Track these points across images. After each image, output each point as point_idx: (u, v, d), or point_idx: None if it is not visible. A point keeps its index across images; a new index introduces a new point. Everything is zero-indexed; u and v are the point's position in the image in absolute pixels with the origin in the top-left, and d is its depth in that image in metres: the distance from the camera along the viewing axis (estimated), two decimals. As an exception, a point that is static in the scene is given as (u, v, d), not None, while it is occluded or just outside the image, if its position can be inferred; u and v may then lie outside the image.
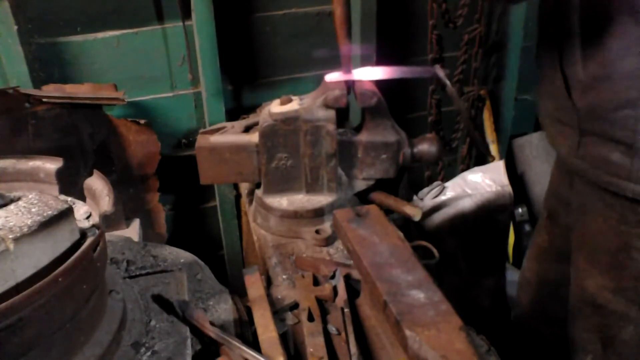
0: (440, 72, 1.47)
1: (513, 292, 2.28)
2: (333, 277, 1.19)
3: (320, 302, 1.12)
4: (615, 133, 1.16)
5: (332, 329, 1.05)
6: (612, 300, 1.31)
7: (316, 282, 1.20)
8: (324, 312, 1.10)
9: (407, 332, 0.85)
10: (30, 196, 0.79)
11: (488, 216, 2.06)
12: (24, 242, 0.70)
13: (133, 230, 1.57)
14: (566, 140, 1.28)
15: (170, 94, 2.12)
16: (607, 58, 1.13)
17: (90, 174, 1.23)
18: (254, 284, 1.11)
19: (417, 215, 1.47)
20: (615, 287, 1.30)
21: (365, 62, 1.95)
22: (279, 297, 1.16)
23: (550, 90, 1.30)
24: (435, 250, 1.38)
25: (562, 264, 1.53)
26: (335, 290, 1.15)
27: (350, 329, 1.03)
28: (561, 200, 1.52)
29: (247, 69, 2.18)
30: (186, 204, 2.36)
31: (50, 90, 1.80)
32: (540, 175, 2.56)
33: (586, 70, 1.18)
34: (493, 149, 2.59)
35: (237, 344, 0.91)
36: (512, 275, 2.30)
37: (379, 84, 1.45)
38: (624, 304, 1.30)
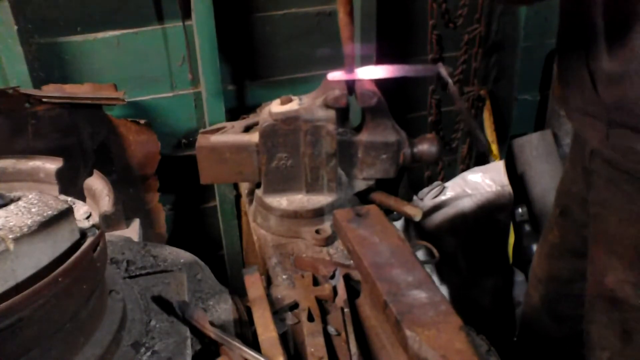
0: (443, 71, 1.46)
1: (516, 292, 2.29)
2: (333, 277, 1.19)
3: (320, 302, 1.12)
4: None
5: (331, 330, 1.05)
6: (633, 295, 1.29)
7: (316, 282, 1.20)
8: (324, 312, 1.10)
9: (407, 332, 0.85)
10: (30, 196, 0.79)
11: (488, 216, 2.06)
12: (24, 242, 0.70)
13: (133, 230, 1.56)
14: (595, 131, 1.28)
15: (170, 94, 2.12)
16: (632, 54, 1.12)
17: (90, 174, 1.24)
18: (253, 284, 1.10)
19: (417, 215, 1.47)
20: (638, 282, 1.28)
21: (365, 62, 1.95)
22: (279, 297, 1.16)
23: (576, 83, 1.29)
24: (435, 250, 1.38)
25: (575, 261, 1.53)
26: (335, 290, 1.15)
27: (350, 329, 1.03)
28: (574, 197, 1.51)
29: (247, 69, 2.18)
30: (186, 204, 2.36)
31: (50, 90, 1.80)
32: (540, 175, 2.56)
33: (611, 65, 1.17)
34: (493, 149, 2.59)
35: (237, 344, 0.91)
36: (517, 275, 2.30)
37: (379, 83, 1.45)
38: None
